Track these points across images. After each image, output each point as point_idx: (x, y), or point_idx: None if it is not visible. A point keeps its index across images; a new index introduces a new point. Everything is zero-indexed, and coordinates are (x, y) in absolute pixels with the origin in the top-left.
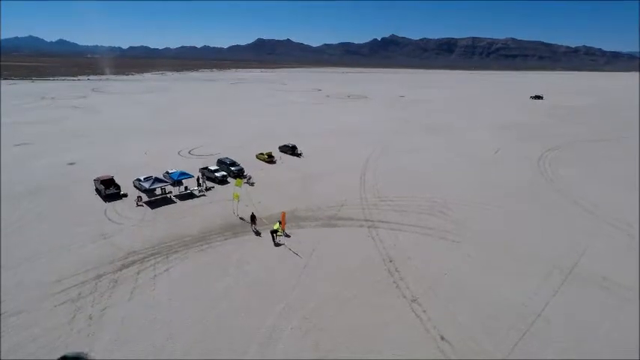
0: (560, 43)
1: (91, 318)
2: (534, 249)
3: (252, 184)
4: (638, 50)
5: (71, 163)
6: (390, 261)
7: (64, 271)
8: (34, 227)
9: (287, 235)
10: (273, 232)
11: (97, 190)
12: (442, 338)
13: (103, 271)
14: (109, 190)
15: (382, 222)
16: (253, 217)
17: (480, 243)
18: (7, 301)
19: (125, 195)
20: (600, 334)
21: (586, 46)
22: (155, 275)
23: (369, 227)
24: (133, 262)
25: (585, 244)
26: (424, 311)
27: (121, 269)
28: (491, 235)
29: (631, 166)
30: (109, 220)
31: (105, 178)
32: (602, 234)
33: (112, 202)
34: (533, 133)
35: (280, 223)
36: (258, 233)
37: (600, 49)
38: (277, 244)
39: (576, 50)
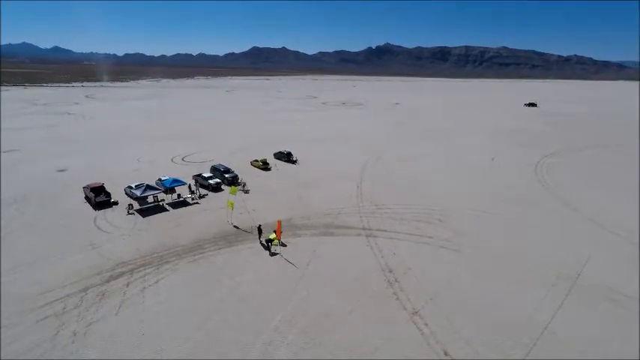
0: (552, 52)
1: (75, 334)
2: (536, 258)
3: (247, 192)
4: (626, 60)
5: (61, 170)
6: (390, 271)
7: (49, 282)
8: (20, 236)
9: (283, 245)
10: (269, 241)
11: (87, 198)
12: (446, 354)
13: (89, 283)
14: (99, 197)
15: (380, 230)
16: (260, 230)
17: (480, 252)
18: None
19: (116, 203)
20: (611, 349)
21: (577, 55)
22: (145, 287)
23: (367, 236)
24: (122, 274)
25: (588, 253)
26: (426, 324)
27: (109, 281)
28: (492, 243)
29: (630, 173)
30: (99, 228)
31: (95, 186)
32: (605, 242)
33: (102, 210)
34: (530, 140)
35: (276, 232)
36: (267, 247)
37: (591, 58)
38: (273, 254)
39: (568, 59)
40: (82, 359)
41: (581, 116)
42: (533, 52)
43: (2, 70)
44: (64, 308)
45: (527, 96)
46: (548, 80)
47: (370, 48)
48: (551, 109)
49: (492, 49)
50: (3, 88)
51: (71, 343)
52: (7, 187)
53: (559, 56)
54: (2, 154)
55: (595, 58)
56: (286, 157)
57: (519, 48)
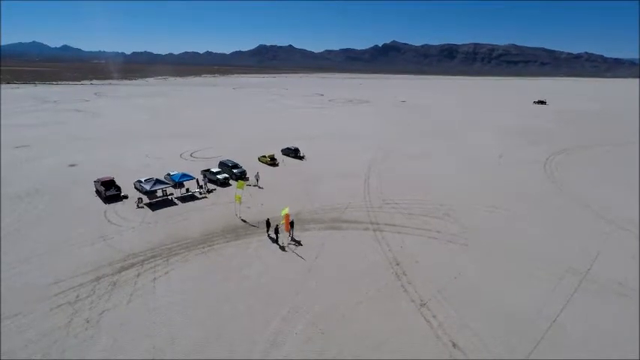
0: (562, 50)
1: (88, 321)
2: (545, 253)
3: (260, 187)
4: (638, 57)
5: (72, 165)
6: (397, 264)
7: (62, 272)
8: (33, 228)
9: (298, 242)
10: (277, 231)
11: (98, 192)
12: (454, 345)
13: (101, 274)
14: (109, 191)
15: (387, 225)
16: (268, 223)
17: (488, 246)
18: (2, 304)
19: (125, 197)
20: (620, 344)
21: (588, 53)
22: (155, 278)
23: (374, 230)
24: (133, 265)
25: (597, 248)
26: (434, 316)
27: (120, 272)
28: (500, 238)
29: (638, 170)
30: (109, 221)
31: (105, 180)
32: (615, 238)
33: (113, 204)
34: (539, 137)
35: (285, 221)
36: (274, 240)
37: (602, 55)
38: (282, 248)
39: (578, 57)
40: (84, 359)
41: (590, 114)
42: (543, 49)
43: (13, 68)
44: (77, 297)
45: (536, 94)
46: (557, 78)
47: (377, 46)
48: (561, 107)
49: (501, 46)
50: (13, 86)
51: (84, 330)
52: (19, 181)
53: (569, 54)
54: (14, 149)
55: (606, 55)
56: (293, 153)
57: (528, 45)
